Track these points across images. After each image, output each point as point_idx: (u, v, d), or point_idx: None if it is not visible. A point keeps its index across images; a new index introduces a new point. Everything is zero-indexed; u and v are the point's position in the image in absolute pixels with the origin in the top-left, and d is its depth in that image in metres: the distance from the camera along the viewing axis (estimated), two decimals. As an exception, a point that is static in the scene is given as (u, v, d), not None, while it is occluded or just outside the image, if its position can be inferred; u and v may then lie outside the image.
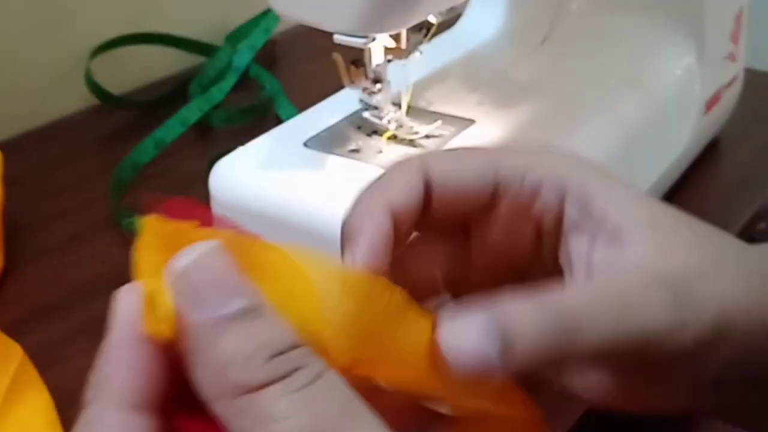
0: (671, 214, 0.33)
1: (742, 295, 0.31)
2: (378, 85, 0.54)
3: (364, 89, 0.54)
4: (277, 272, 0.31)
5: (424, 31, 0.54)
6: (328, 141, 0.54)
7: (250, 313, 0.27)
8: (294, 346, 0.27)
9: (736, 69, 0.73)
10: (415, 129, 0.55)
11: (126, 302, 0.33)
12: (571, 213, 0.33)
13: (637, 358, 0.30)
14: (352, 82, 0.53)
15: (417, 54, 0.55)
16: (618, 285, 0.30)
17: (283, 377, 0.26)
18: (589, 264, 0.32)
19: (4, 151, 0.66)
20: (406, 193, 0.33)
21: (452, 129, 0.55)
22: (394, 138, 0.54)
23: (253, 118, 0.81)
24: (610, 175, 0.33)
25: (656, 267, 0.31)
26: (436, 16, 0.53)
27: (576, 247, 0.33)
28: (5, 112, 0.81)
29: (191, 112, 0.76)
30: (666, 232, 0.32)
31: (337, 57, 0.53)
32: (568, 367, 0.33)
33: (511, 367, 0.28)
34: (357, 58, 0.53)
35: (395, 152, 0.53)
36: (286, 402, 0.26)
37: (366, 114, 0.54)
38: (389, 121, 0.55)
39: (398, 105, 0.55)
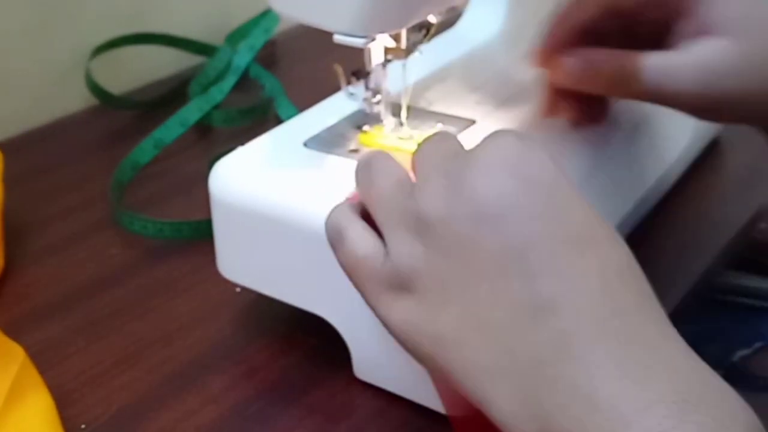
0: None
1: None
2: (378, 96, 0.54)
3: (364, 99, 0.54)
4: None
5: (423, 31, 0.54)
6: (328, 141, 0.54)
7: None
8: None
9: (737, 69, 0.73)
10: (415, 133, 0.55)
11: None
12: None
13: None
14: (352, 93, 0.54)
15: (417, 54, 0.55)
16: None
17: None
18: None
19: (4, 151, 0.66)
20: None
21: (452, 129, 0.55)
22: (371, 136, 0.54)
23: (253, 118, 0.81)
24: None
25: None
26: (436, 16, 0.53)
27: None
28: (5, 112, 0.81)
29: (191, 112, 0.76)
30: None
31: (338, 68, 0.53)
32: None
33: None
34: (358, 69, 0.53)
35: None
36: None
37: (366, 127, 0.55)
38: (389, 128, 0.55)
39: (398, 105, 0.55)
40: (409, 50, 0.54)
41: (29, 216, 0.69)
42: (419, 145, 0.42)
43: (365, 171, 0.43)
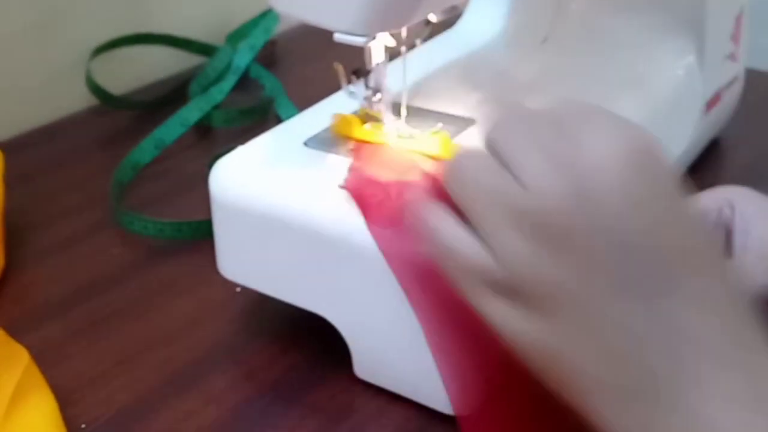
0: None
1: None
2: (378, 95, 0.54)
3: (365, 98, 0.54)
4: None
5: (425, 25, 0.54)
6: (328, 141, 0.54)
7: None
8: None
9: (737, 69, 0.73)
10: (414, 133, 0.55)
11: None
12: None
13: None
14: (352, 92, 0.54)
15: (417, 43, 0.54)
16: None
17: None
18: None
19: (4, 151, 0.66)
20: None
21: (452, 129, 0.55)
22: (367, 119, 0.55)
23: (254, 118, 0.81)
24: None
25: None
26: (436, 15, 0.53)
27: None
28: (5, 112, 0.81)
29: (191, 112, 0.76)
30: None
31: (338, 66, 0.53)
32: None
33: None
34: (358, 68, 0.53)
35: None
36: None
37: (367, 126, 0.55)
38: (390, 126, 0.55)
39: (398, 104, 0.55)
40: (409, 43, 0.54)
41: (29, 216, 0.69)
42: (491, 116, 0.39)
43: (459, 169, 0.38)
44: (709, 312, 0.34)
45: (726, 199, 0.46)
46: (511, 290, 0.36)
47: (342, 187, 0.49)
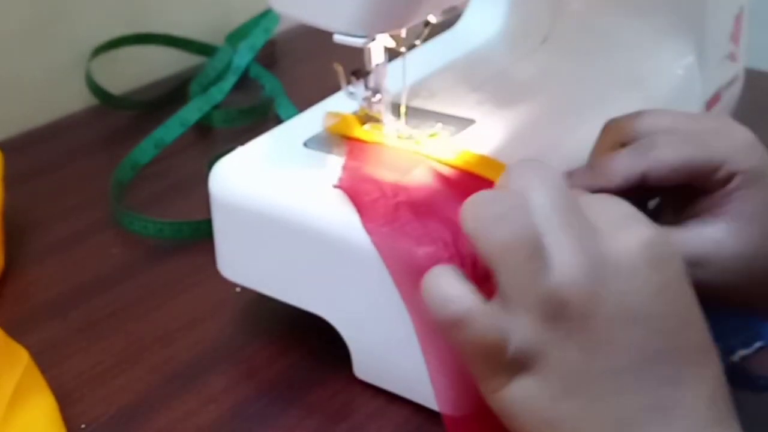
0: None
1: None
2: (378, 96, 0.54)
3: (364, 99, 0.54)
4: None
5: (425, 26, 0.54)
6: (328, 141, 0.54)
7: None
8: None
9: (736, 69, 0.73)
10: (414, 133, 0.55)
11: None
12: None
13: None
14: (352, 93, 0.54)
15: (416, 43, 0.55)
16: None
17: None
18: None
19: (4, 151, 0.66)
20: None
21: (452, 129, 0.55)
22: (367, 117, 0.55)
23: (253, 118, 0.81)
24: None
25: None
26: (436, 15, 0.53)
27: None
28: (5, 112, 0.82)
29: (191, 112, 0.76)
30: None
31: (338, 67, 0.53)
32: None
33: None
34: (357, 68, 0.53)
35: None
36: None
37: (366, 126, 0.55)
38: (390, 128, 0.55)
39: (398, 105, 0.55)
40: (409, 42, 0.54)
41: (29, 216, 0.69)
42: (517, 172, 0.40)
43: (495, 224, 0.38)
44: (697, 396, 0.37)
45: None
46: (517, 363, 0.37)
47: (336, 186, 0.49)
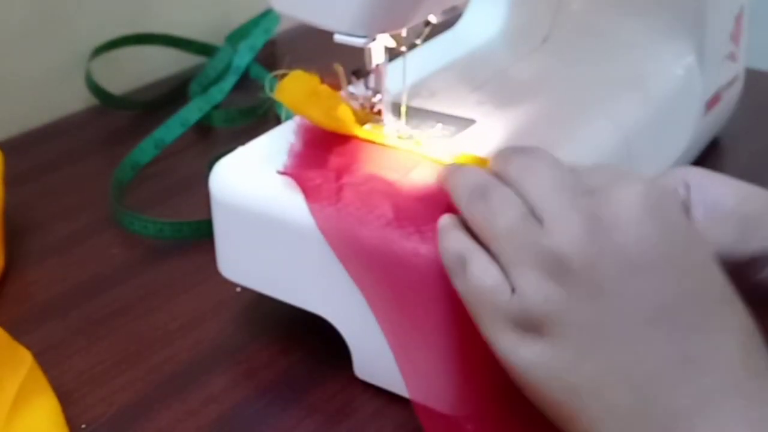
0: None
1: None
2: (378, 96, 0.54)
3: (365, 99, 0.54)
4: None
5: (425, 26, 0.54)
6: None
7: None
8: None
9: (737, 69, 0.73)
10: (415, 134, 0.55)
11: None
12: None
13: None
14: (351, 95, 0.54)
15: (416, 42, 0.54)
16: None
17: None
18: None
19: (4, 151, 0.66)
20: None
21: (452, 129, 0.55)
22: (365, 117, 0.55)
23: (253, 118, 0.81)
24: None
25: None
26: (436, 16, 0.53)
27: None
28: (5, 112, 0.81)
29: (191, 112, 0.76)
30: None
31: (338, 67, 0.53)
32: None
33: None
34: (358, 68, 0.53)
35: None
36: None
37: (367, 126, 0.55)
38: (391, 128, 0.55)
39: (398, 105, 0.55)
40: (409, 42, 0.54)
41: (29, 216, 0.69)
42: (508, 157, 0.41)
43: (482, 201, 0.40)
44: (729, 346, 0.35)
45: (679, 179, 0.46)
46: (527, 324, 0.37)
47: (280, 172, 0.49)
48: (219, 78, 0.86)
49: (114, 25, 0.88)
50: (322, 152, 0.51)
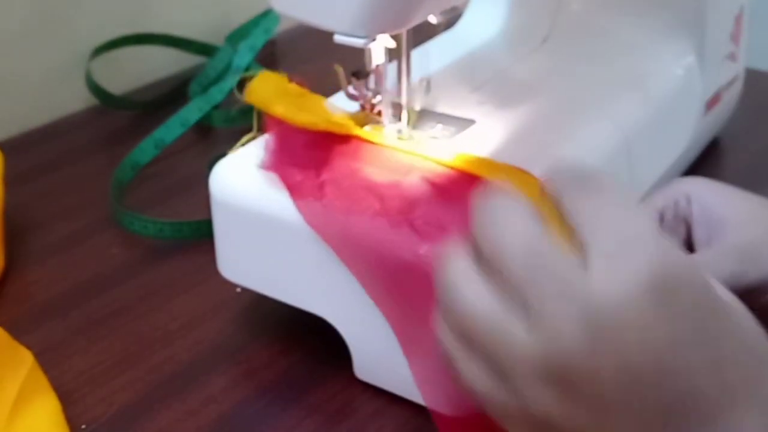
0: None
1: None
2: (378, 97, 0.54)
3: (365, 100, 0.54)
4: None
5: (424, 83, 0.55)
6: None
7: None
8: None
9: (737, 69, 0.73)
10: (414, 133, 0.55)
11: None
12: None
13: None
14: (351, 95, 0.54)
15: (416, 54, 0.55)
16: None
17: None
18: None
19: (4, 151, 0.66)
20: None
21: (452, 129, 0.55)
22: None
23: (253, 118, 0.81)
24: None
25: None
26: (436, 16, 0.53)
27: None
28: (5, 112, 0.81)
29: (191, 112, 0.76)
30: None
31: (338, 68, 0.53)
32: None
33: None
34: (358, 69, 0.53)
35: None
36: None
37: (367, 128, 0.55)
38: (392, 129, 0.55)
39: (398, 105, 0.55)
40: (408, 50, 0.54)
41: (29, 216, 0.69)
42: (492, 214, 0.33)
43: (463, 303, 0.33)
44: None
45: (682, 191, 0.45)
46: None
47: (261, 168, 0.49)
48: (219, 78, 0.86)
49: (114, 25, 0.88)
50: (298, 149, 0.51)
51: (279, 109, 0.51)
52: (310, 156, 0.50)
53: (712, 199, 0.44)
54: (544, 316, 0.31)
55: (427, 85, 0.55)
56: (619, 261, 0.30)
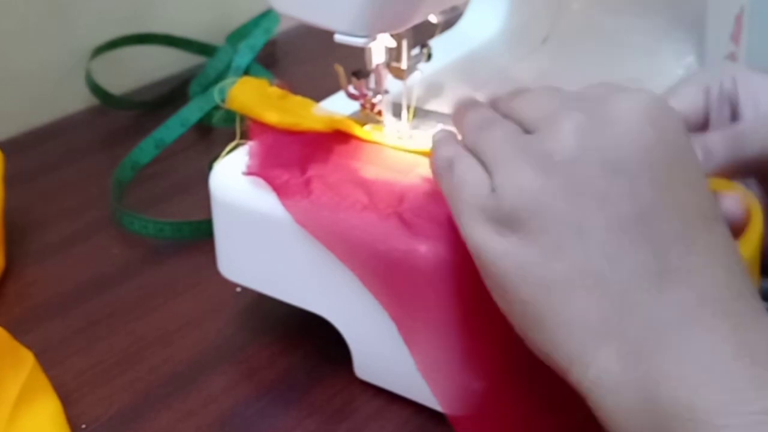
0: None
1: None
2: (378, 96, 0.54)
3: (365, 99, 0.54)
4: None
5: (425, 50, 0.55)
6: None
7: None
8: None
9: (737, 69, 0.73)
10: (414, 132, 0.55)
11: None
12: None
13: None
14: (351, 95, 0.54)
15: (417, 73, 0.55)
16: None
17: None
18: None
19: (4, 151, 0.66)
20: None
21: (452, 129, 0.55)
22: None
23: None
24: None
25: None
26: (436, 15, 0.53)
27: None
28: (5, 111, 0.81)
29: (191, 112, 0.76)
30: None
31: (338, 68, 0.53)
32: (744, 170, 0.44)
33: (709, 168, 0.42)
34: (358, 69, 0.53)
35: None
36: None
37: (367, 127, 0.55)
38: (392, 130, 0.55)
39: (399, 105, 0.55)
40: (409, 70, 0.54)
41: (29, 216, 0.69)
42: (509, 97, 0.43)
43: (471, 110, 0.43)
44: (712, 264, 0.34)
45: (726, 72, 0.46)
46: (502, 219, 0.37)
47: (245, 173, 0.50)
48: (219, 78, 0.86)
49: (114, 24, 0.88)
50: (282, 151, 0.51)
51: (260, 112, 0.51)
52: (295, 156, 0.50)
53: (758, 80, 0.45)
54: (546, 126, 0.38)
55: (428, 52, 0.55)
56: (618, 93, 0.37)
